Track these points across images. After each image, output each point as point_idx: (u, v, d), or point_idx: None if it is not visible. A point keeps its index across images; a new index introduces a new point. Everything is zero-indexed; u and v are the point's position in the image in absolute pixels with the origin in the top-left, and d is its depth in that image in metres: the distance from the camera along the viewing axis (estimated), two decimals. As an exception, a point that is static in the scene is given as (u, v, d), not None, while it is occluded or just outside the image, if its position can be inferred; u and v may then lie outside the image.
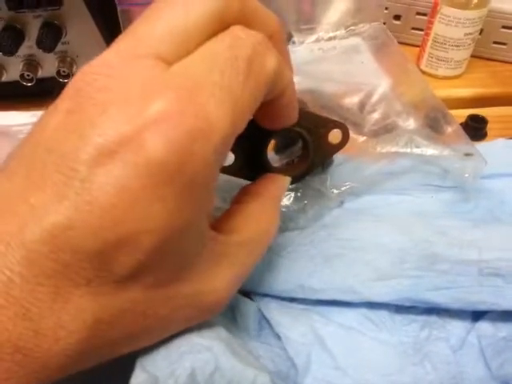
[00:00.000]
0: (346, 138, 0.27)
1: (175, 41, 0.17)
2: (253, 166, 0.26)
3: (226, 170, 0.25)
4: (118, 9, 0.35)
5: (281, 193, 0.25)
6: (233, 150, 0.25)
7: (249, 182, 0.25)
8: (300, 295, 0.26)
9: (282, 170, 0.27)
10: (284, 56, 0.20)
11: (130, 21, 0.35)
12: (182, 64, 0.16)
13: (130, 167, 0.15)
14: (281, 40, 0.20)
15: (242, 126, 0.18)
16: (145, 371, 0.20)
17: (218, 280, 0.19)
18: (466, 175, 0.29)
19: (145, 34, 0.17)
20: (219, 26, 0.17)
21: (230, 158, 0.25)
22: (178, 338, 0.21)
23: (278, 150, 0.29)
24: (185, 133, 0.15)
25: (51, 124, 0.16)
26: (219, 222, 0.21)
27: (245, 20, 0.18)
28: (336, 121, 0.27)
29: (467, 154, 0.29)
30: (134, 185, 0.15)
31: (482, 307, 0.23)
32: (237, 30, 0.18)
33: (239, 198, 0.23)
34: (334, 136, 0.27)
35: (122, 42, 0.17)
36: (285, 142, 0.28)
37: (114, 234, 0.15)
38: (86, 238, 0.15)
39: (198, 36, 0.17)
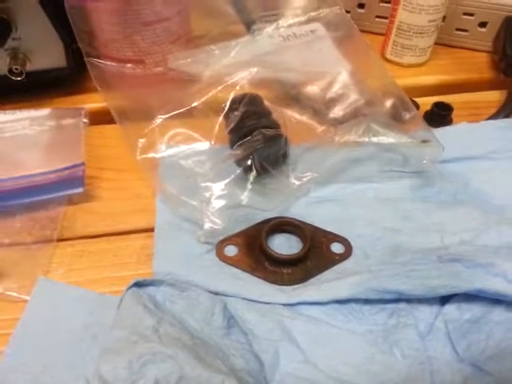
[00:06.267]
0: (348, 251, 0.28)
1: None
2: (254, 255, 0.28)
3: (229, 260, 0.27)
4: (66, 5, 0.33)
5: None
6: (236, 244, 0.28)
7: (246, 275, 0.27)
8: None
9: (281, 259, 0.27)
10: None
11: (79, 17, 0.34)
12: None
13: None
14: None
15: None
16: (104, 383, 0.19)
17: None
18: (424, 161, 0.29)
19: None
20: None
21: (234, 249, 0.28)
22: (139, 346, 0.21)
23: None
24: None
25: None
26: None
27: None
28: (338, 235, 0.28)
29: (424, 141, 0.29)
30: None
31: (443, 291, 0.23)
32: None
33: None
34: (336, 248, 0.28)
35: None
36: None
37: None
38: None
39: None
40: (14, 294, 0.27)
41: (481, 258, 0.24)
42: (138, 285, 0.24)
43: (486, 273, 0.23)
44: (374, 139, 0.29)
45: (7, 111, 0.37)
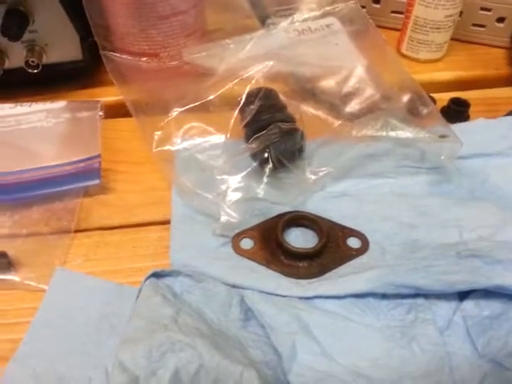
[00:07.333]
0: (364, 246, 0.27)
1: None
2: (270, 249, 0.28)
3: (245, 254, 0.27)
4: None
5: None
6: (252, 237, 0.28)
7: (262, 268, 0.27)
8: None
9: (297, 253, 0.27)
10: None
11: (96, 10, 0.34)
12: None
13: None
14: None
15: None
16: (124, 370, 0.20)
17: None
18: (442, 157, 0.29)
19: None
20: None
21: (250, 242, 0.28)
22: (158, 335, 0.21)
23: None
24: None
25: None
26: None
27: None
28: (354, 230, 0.28)
29: (442, 136, 0.29)
30: None
31: (462, 287, 0.23)
32: None
33: None
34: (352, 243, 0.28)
35: None
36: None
37: None
38: None
39: None
40: (33, 283, 0.27)
41: (500, 255, 0.23)
42: (156, 275, 0.24)
43: (505, 269, 0.23)
44: (392, 134, 0.29)
45: (23, 103, 0.37)
